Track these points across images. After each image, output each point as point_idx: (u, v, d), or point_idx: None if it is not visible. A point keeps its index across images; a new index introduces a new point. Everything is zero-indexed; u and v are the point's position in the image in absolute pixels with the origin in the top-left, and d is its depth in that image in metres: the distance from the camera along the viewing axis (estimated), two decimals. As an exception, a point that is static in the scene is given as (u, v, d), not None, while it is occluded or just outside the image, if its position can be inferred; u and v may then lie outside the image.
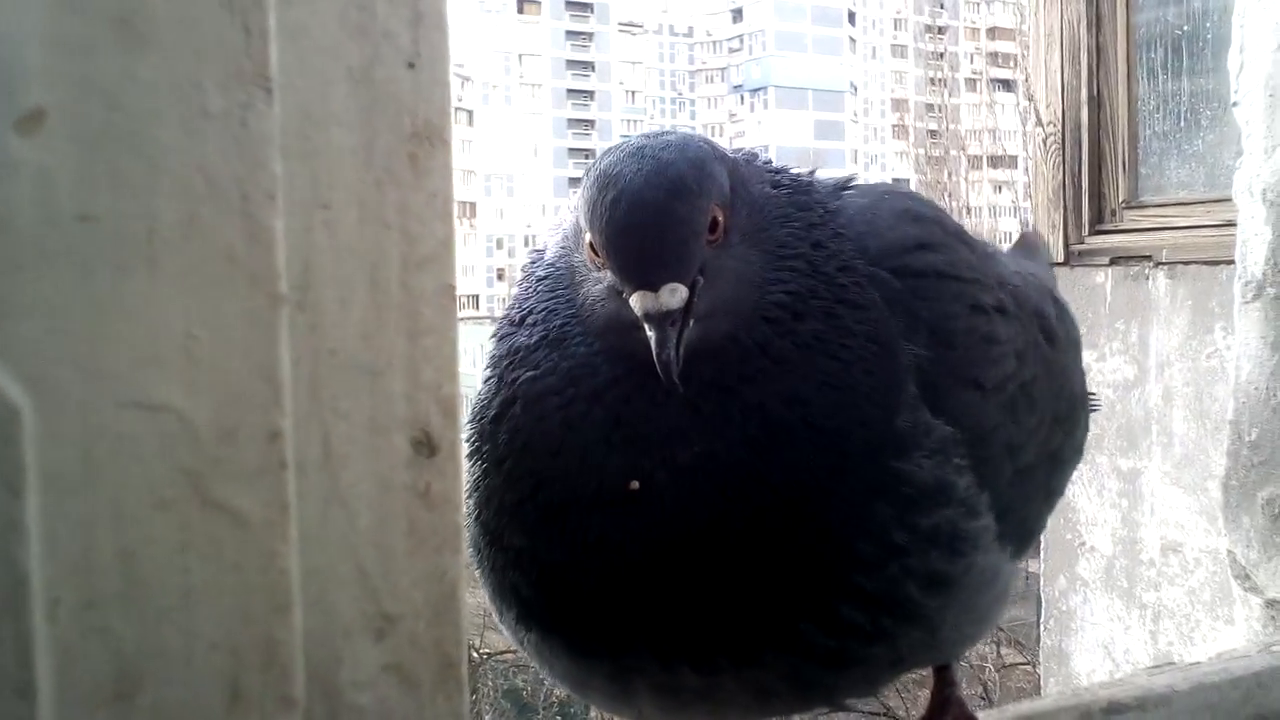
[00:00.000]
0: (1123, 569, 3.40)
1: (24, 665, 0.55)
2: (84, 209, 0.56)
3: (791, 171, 1.17)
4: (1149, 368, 3.30)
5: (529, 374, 1.05)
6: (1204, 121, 3.47)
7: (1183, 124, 3.55)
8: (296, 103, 0.64)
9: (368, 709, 0.67)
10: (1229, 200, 3.18)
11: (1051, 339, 1.26)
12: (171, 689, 0.58)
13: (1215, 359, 3.12)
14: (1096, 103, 3.72)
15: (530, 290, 1.12)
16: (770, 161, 1.19)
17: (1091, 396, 1.46)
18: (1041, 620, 3.90)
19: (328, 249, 0.65)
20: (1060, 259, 3.63)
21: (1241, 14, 1.90)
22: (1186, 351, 3.21)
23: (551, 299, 1.09)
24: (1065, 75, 3.76)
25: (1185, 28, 3.50)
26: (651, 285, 0.97)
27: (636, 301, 0.97)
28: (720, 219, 1.02)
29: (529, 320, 1.09)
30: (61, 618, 0.56)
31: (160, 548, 0.58)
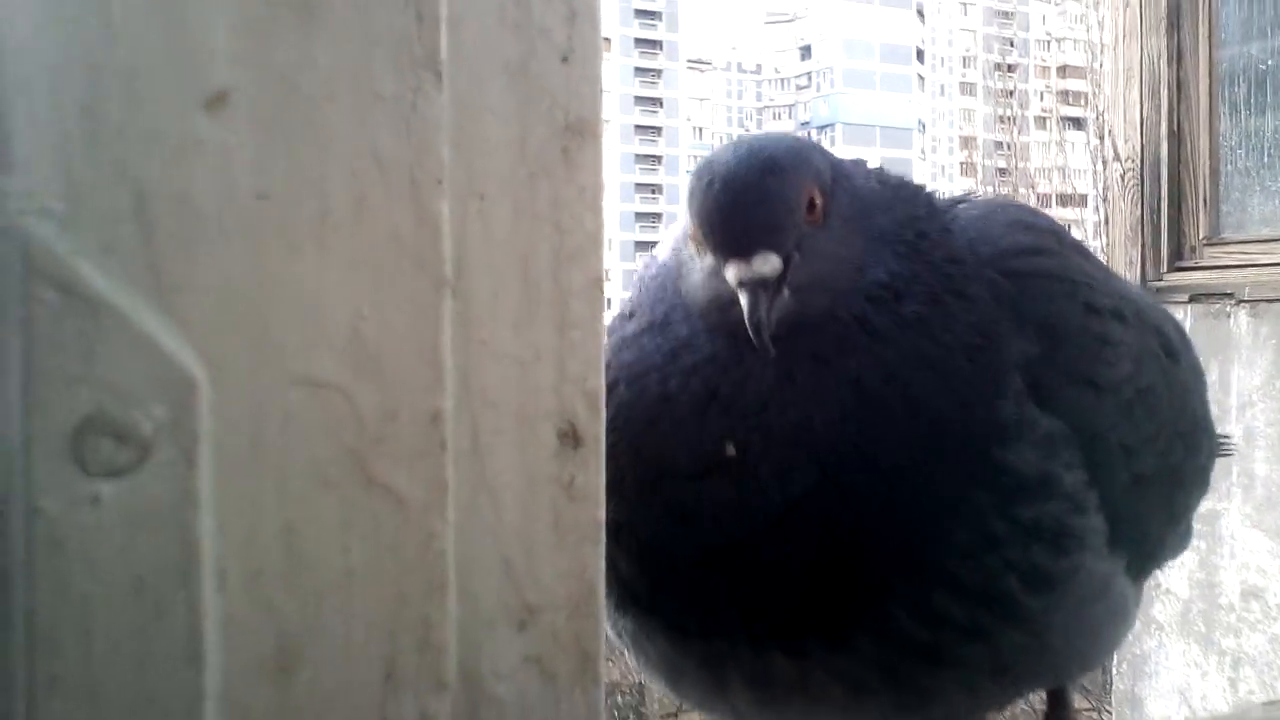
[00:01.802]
0: (1200, 613, 3.34)
1: (194, 634, 0.55)
2: (261, 188, 0.57)
3: (899, 177, 1.19)
4: (1230, 407, 3.24)
5: (632, 356, 1.07)
6: (1287, 157, 3.43)
7: (1265, 160, 3.51)
8: (455, 93, 0.65)
9: (506, 700, 0.67)
10: (1314, 237, 3.15)
11: (1172, 355, 1.24)
12: (330, 666, 0.59)
13: (1300, 399, 3.07)
14: (1177, 138, 3.68)
15: (640, 288, 1.14)
16: (881, 170, 1.20)
17: (1224, 440, 1.44)
18: (1114, 664, 3.82)
19: (481, 239, 0.66)
20: (1139, 296, 3.59)
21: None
22: (1269, 391, 3.16)
23: (659, 291, 1.11)
24: (1144, 110, 3.72)
25: (1269, 63, 3.46)
26: (745, 254, 0.98)
27: (731, 271, 0.99)
28: (818, 200, 1.04)
29: (637, 313, 1.11)
30: (229, 590, 0.57)
31: (322, 526, 0.59)
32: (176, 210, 0.57)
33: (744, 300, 0.97)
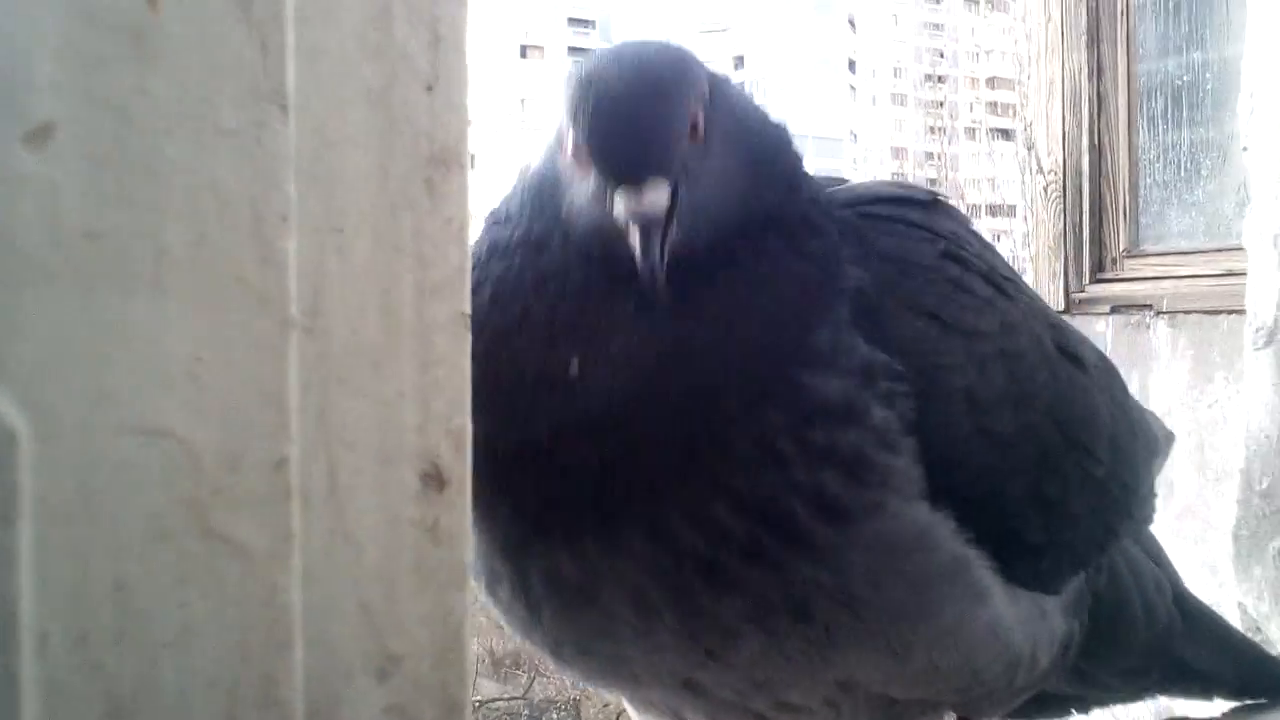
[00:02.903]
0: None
1: (10, 704, 0.52)
2: (91, 226, 0.54)
3: (783, 126, 1.18)
4: (1150, 417, 3.28)
5: (501, 268, 1.05)
6: (1204, 171, 3.47)
7: (1183, 173, 3.55)
8: (312, 124, 0.62)
9: (368, 753, 0.64)
10: (1230, 249, 3.18)
11: (1072, 357, 1.22)
12: (166, 729, 0.56)
13: (1216, 409, 3.10)
14: (1097, 151, 3.72)
15: (517, 190, 1.12)
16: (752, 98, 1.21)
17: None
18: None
19: (339, 274, 0.63)
20: (1061, 307, 3.62)
21: (1252, 59, 1.89)
22: (1187, 401, 3.19)
23: (536, 202, 1.09)
24: (1066, 124, 3.76)
25: (1186, 78, 3.51)
26: (635, 180, 0.96)
27: (620, 201, 0.97)
28: (700, 120, 1.02)
29: (511, 219, 1.10)
30: (51, 653, 0.53)
31: (158, 580, 0.56)
32: (-3, 249, 0.54)
33: (635, 240, 0.96)
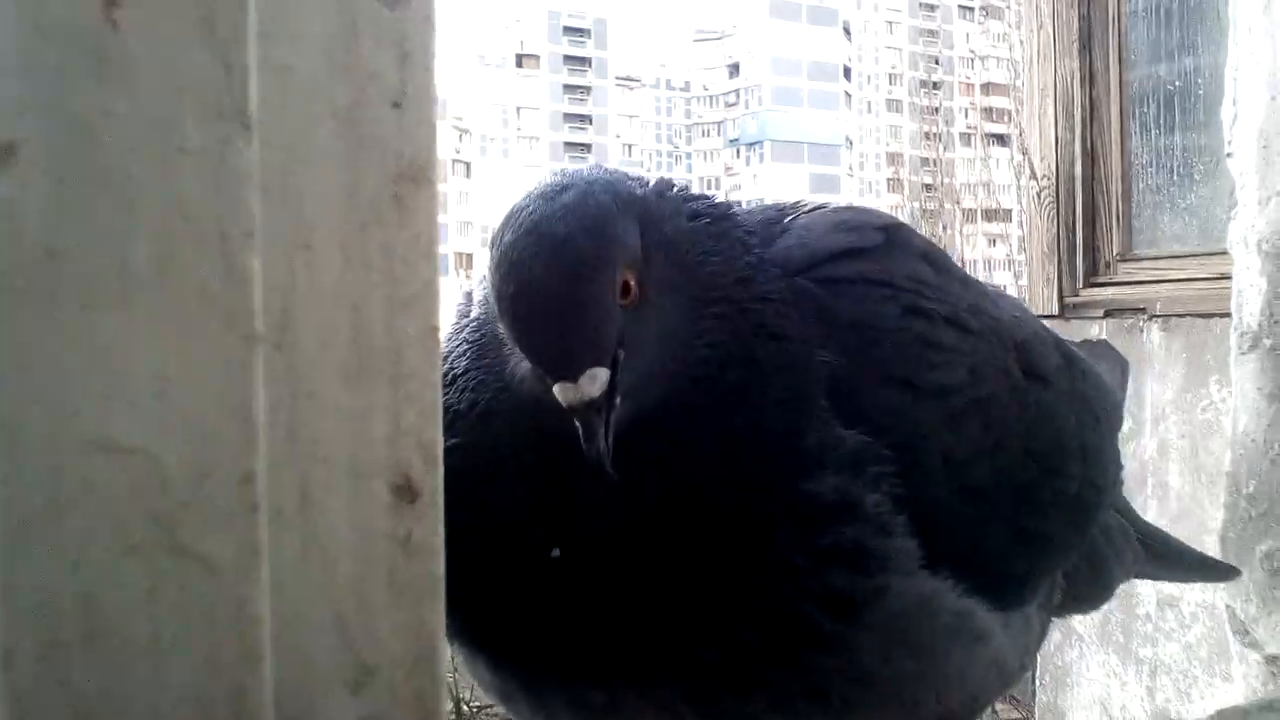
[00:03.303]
0: (1119, 624, 3.36)
1: (-22, 717, 0.53)
2: (53, 244, 0.55)
3: (711, 199, 1.15)
4: (1144, 420, 3.28)
5: (454, 442, 0.98)
6: (1197, 175, 3.48)
7: (1176, 178, 3.57)
8: (279, 141, 0.63)
9: (342, 764, 0.65)
10: (1222, 253, 3.19)
11: (1037, 376, 1.22)
12: (134, 743, 0.56)
13: (1210, 412, 3.11)
14: (1090, 157, 3.74)
15: (459, 350, 1.09)
16: (687, 188, 1.16)
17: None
18: (1037, 676, 3.85)
19: (308, 290, 0.64)
20: (1054, 311, 3.63)
21: (1235, 66, 1.90)
22: (1181, 404, 3.20)
23: (480, 365, 1.06)
24: (1059, 129, 3.77)
25: (1177, 83, 3.52)
26: (570, 376, 0.93)
27: (559, 393, 0.94)
28: (632, 281, 0.98)
29: (458, 384, 1.06)
30: (17, 667, 0.54)
31: (126, 595, 0.56)
32: (-40, 269, 0.54)
33: (579, 428, 0.94)
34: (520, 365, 1.01)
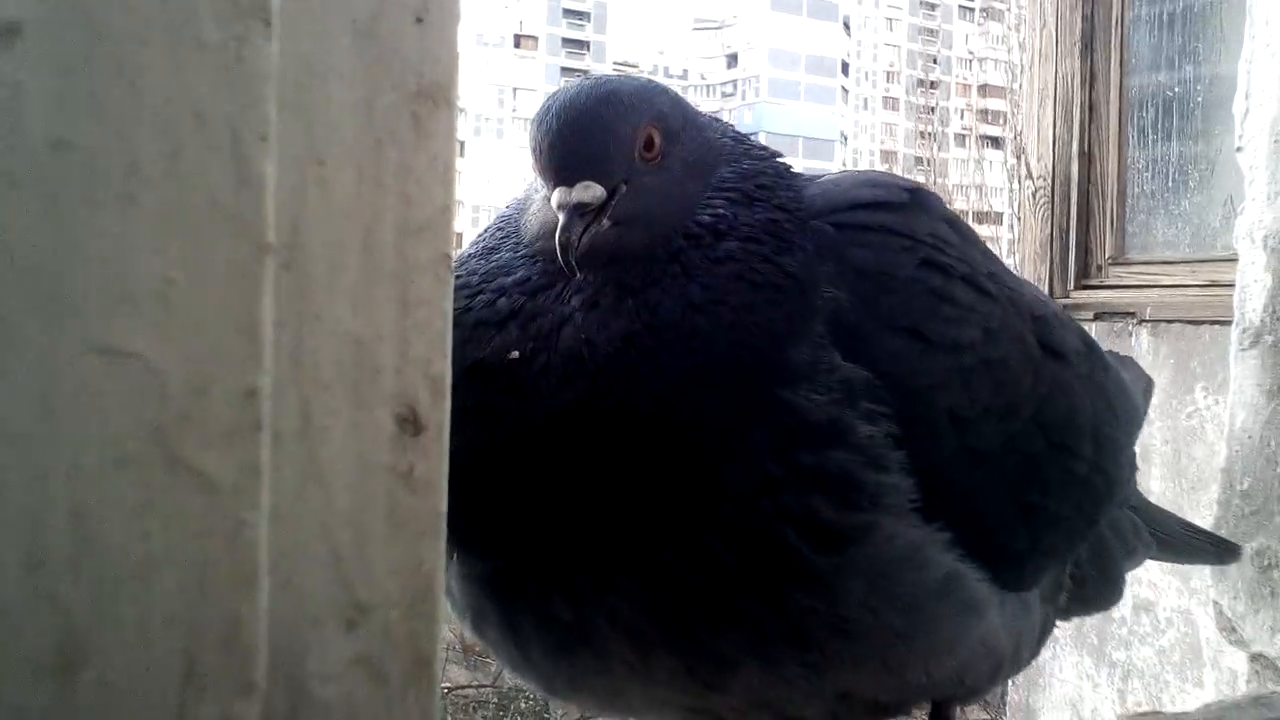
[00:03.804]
0: (1093, 626, 3.36)
1: (-41, 628, 0.50)
2: (58, 135, 0.52)
3: (773, 154, 1.18)
4: (1130, 424, 3.28)
5: (456, 272, 1.08)
6: (1191, 183, 3.48)
7: (1170, 184, 3.57)
8: (295, 49, 0.60)
9: (332, 703, 0.62)
10: (1214, 260, 3.19)
11: (1055, 352, 1.20)
12: (121, 664, 0.53)
13: (1195, 418, 3.10)
14: (1087, 159, 3.73)
15: (494, 222, 1.16)
16: (752, 138, 1.20)
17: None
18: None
19: (320, 207, 0.61)
20: (1045, 313, 3.62)
21: (1248, 60, 1.89)
22: (1166, 410, 3.19)
23: (500, 223, 1.14)
24: (1057, 130, 3.77)
25: (1176, 90, 3.52)
26: (569, 180, 1.01)
27: (555, 197, 1.01)
28: (657, 140, 1.07)
29: (478, 242, 1.14)
30: (6, 579, 0.51)
31: (118, 509, 0.53)
32: (-46, 155, 0.51)
33: (560, 219, 0.99)
34: (535, 203, 1.08)
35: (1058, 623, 1.35)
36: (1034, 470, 1.16)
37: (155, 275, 0.53)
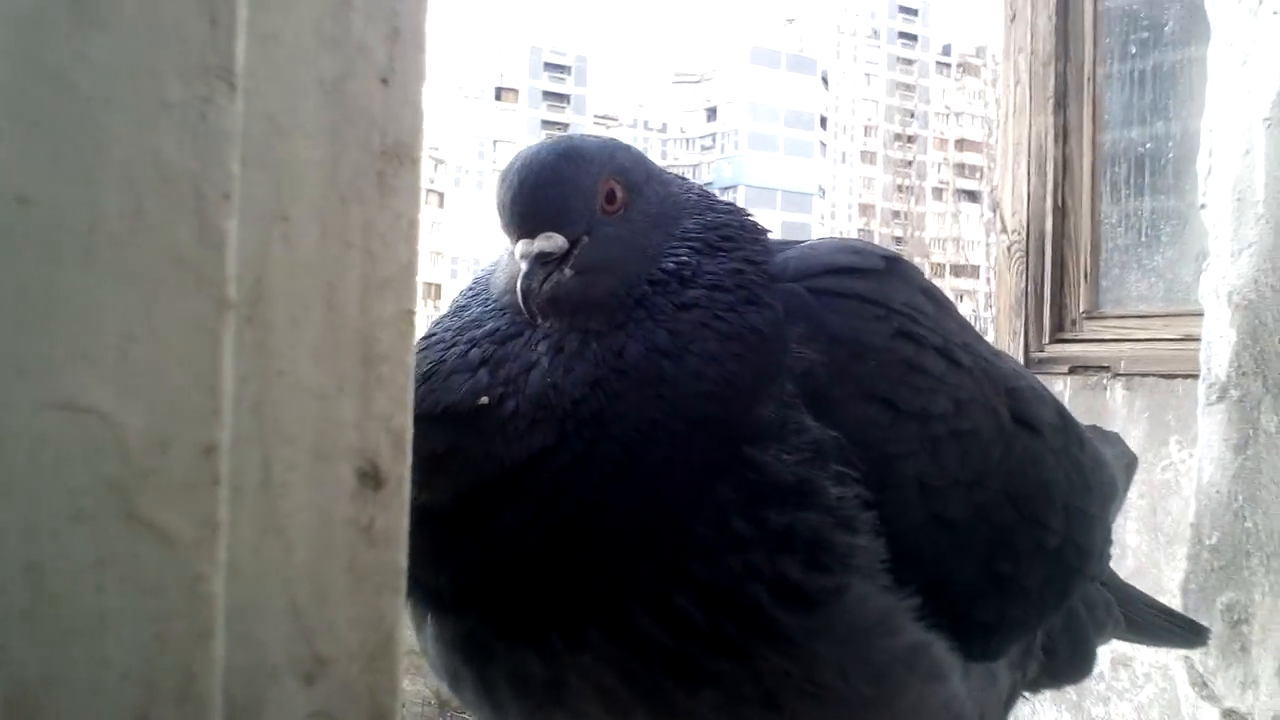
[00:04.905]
0: (1072, 680, 3.35)
1: (-90, 682, 0.50)
2: (22, 191, 0.52)
3: (739, 210, 1.20)
4: (1105, 478, 3.28)
5: (429, 332, 1.12)
6: (1164, 237, 3.52)
7: (1143, 239, 3.60)
8: (262, 109, 0.61)
9: (290, 759, 0.62)
10: (1187, 314, 3.23)
11: (1027, 424, 1.20)
12: (73, 719, 0.53)
13: (1170, 472, 3.12)
14: (1061, 214, 3.77)
15: (463, 290, 1.19)
16: (717, 194, 1.23)
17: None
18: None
19: (284, 263, 0.62)
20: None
21: (1211, 119, 1.92)
22: (1142, 464, 3.19)
23: (473, 284, 1.17)
24: (1031, 185, 3.81)
25: (1148, 146, 3.57)
26: (531, 232, 1.04)
27: (518, 250, 1.04)
28: (619, 193, 1.09)
29: (453, 302, 1.16)
30: (-44, 634, 0.51)
31: (74, 563, 0.53)
32: (-78, 212, 0.52)
33: (522, 269, 1.02)
34: (503, 260, 1.11)
35: (1024, 694, 1.34)
36: (1004, 541, 1.17)
37: (116, 330, 0.54)
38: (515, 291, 1.02)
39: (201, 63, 0.56)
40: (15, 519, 0.52)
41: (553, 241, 1.03)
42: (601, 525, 0.98)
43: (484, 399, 1.02)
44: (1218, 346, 1.86)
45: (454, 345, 1.07)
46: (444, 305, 1.20)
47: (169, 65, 0.55)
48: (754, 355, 1.03)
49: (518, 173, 1.06)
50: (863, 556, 1.02)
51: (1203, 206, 1.94)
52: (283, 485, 0.61)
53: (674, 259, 1.08)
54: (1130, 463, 1.69)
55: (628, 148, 1.15)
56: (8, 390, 0.52)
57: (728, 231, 1.13)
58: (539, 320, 1.02)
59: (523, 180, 1.06)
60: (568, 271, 1.03)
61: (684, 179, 1.21)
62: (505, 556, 1.00)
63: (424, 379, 1.04)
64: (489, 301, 1.11)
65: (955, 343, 1.16)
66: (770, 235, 1.19)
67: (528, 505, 0.99)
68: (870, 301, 1.12)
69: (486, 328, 1.07)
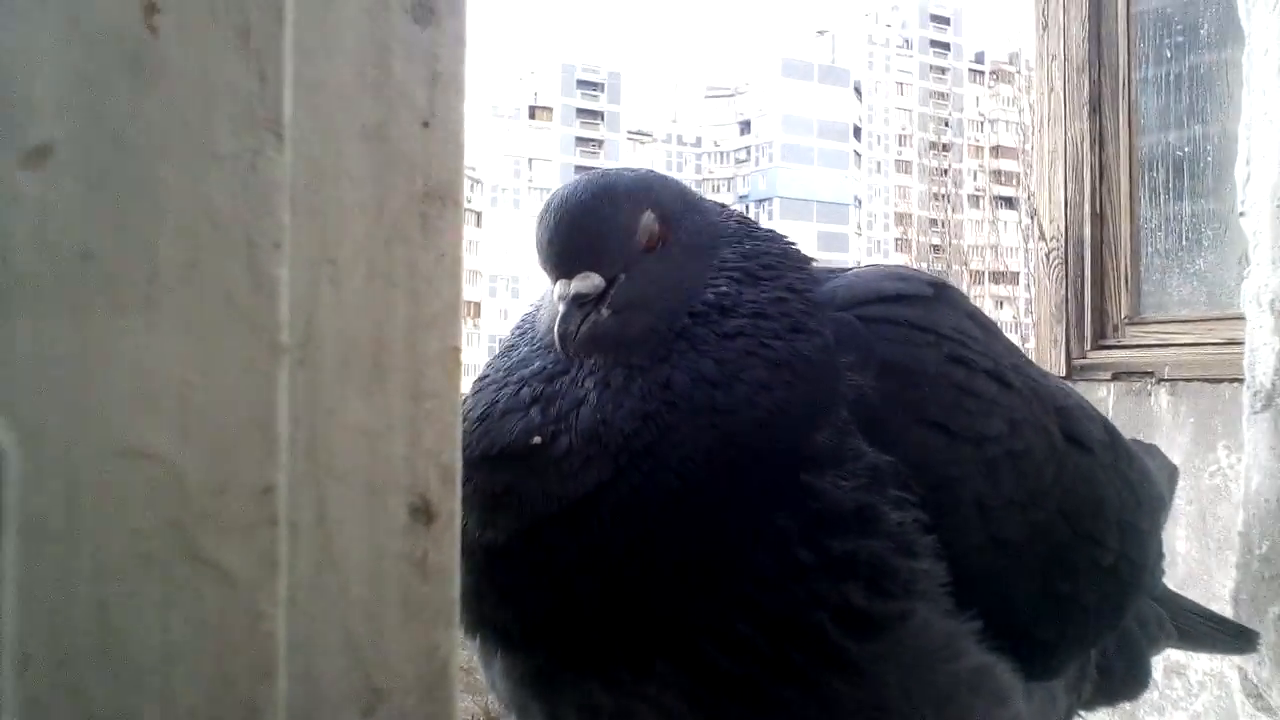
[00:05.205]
0: (1125, 689, 3.32)
1: (-11, 722, 0.52)
2: (84, 247, 0.54)
3: (780, 237, 1.20)
4: (1152, 485, 3.26)
5: (483, 374, 1.13)
6: (1205, 241, 3.49)
7: (1184, 242, 3.58)
8: (308, 156, 0.63)
9: (350, 789, 0.64)
10: (1231, 318, 3.19)
11: (1078, 442, 1.21)
12: (143, 755, 0.55)
13: (1219, 477, 3.09)
14: (1099, 220, 3.74)
15: (513, 328, 1.20)
16: (759, 223, 1.23)
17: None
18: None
19: (332, 305, 0.64)
20: (1062, 373, 3.62)
21: (1248, 125, 1.91)
22: (1189, 470, 3.18)
23: (521, 324, 1.18)
24: (1069, 191, 3.78)
25: (1186, 150, 3.54)
26: (568, 273, 1.05)
27: (556, 290, 1.05)
28: (655, 227, 1.09)
29: (502, 344, 1.18)
30: (32, 674, 0.53)
31: (141, 603, 0.55)
32: (-8, 269, 0.54)
33: (560, 312, 1.03)
34: (546, 300, 1.11)
35: (1080, 714, 1.34)
36: (1061, 559, 1.17)
37: (175, 377, 0.56)
38: (554, 333, 1.03)
39: (251, 116, 0.58)
40: (84, 561, 0.54)
41: (589, 282, 1.04)
42: (663, 557, 0.99)
43: (537, 438, 1.03)
44: (1261, 354, 1.85)
45: (505, 385, 1.08)
46: (483, 323, 1.21)
47: (220, 120, 0.57)
48: (805, 383, 1.03)
49: (554, 213, 1.07)
50: (925, 581, 1.03)
51: (1241, 214, 1.93)
52: (338, 522, 0.63)
53: (714, 290, 1.08)
54: (1172, 474, 1.69)
55: (664, 179, 1.16)
56: (74, 438, 0.54)
57: (768, 260, 1.13)
58: (578, 360, 1.04)
59: (559, 220, 1.07)
60: (605, 311, 1.04)
61: (723, 206, 1.22)
62: (570, 592, 1.01)
63: (479, 420, 1.06)
64: (534, 340, 1.12)
65: (1005, 365, 1.16)
66: (814, 263, 1.20)
67: (588, 540, 1.00)
68: (920, 328, 1.12)
69: (534, 366, 1.08)
